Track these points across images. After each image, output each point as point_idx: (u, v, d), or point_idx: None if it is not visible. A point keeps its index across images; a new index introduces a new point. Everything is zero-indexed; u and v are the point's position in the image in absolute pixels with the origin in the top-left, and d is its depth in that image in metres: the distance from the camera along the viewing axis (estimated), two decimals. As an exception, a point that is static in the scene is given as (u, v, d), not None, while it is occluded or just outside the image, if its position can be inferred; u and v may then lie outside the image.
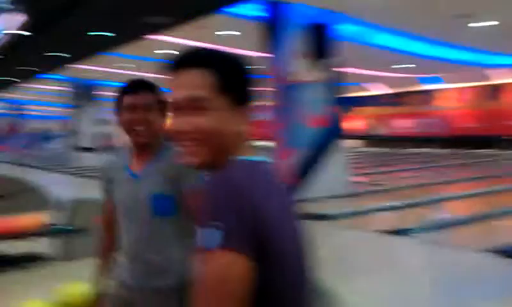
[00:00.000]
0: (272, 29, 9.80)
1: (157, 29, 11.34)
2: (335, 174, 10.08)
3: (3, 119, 39.59)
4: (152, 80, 2.14)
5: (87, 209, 5.75)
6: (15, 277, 5.19)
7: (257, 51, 10.50)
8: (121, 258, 2.20)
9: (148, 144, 2.14)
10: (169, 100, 1.17)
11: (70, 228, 5.64)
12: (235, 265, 1.00)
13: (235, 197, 1.03)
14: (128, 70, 21.12)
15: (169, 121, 1.24)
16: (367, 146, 29.57)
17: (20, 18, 7.50)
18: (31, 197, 8.84)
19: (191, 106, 1.13)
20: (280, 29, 9.78)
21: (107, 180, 2.23)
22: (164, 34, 12.58)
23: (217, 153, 1.15)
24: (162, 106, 2.14)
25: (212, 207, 1.03)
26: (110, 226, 2.28)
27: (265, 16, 9.90)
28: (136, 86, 2.13)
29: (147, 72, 22.52)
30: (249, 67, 1.20)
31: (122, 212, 2.17)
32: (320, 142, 10.08)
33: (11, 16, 7.80)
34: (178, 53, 1.19)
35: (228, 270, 1.00)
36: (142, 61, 18.06)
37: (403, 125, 28.39)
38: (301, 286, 1.15)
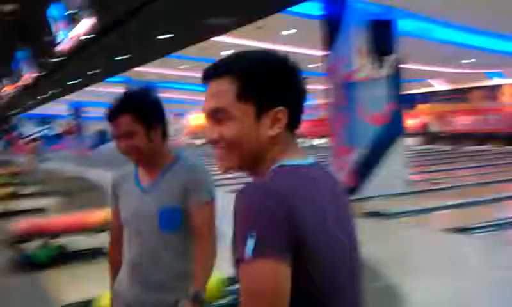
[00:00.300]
0: (332, 26, 9.77)
1: (218, 30, 11.48)
2: (395, 172, 9.93)
3: (65, 120, 41.08)
4: (144, 92, 2.07)
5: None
6: (80, 270, 5.41)
7: (318, 49, 10.49)
8: (122, 272, 2.15)
9: (150, 162, 2.09)
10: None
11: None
12: (268, 273, 1.00)
13: (267, 205, 1.02)
14: (185, 72, 21.53)
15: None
16: (426, 143, 28.92)
17: (88, 22, 7.77)
18: (93, 195, 9.18)
19: (215, 117, 1.15)
20: (341, 26, 9.73)
21: (116, 191, 2.17)
22: (225, 36, 12.73)
23: (247, 158, 1.16)
24: (151, 121, 2.03)
25: (245, 216, 1.03)
26: (119, 235, 2.20)
27: (326, 14, 9.88)
28: (114, 113, 2.01)
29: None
30: (285, 67, 1.17)
31: (128, 224, 2.12)
32: (381, 140, 9.95)
33: (80, 22, 8.10)
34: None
35: (262, 279, 1.00)
36: (202, 63, 18.34)
37: (464, 121, 27.57)
38: (343, 294, 1.14)
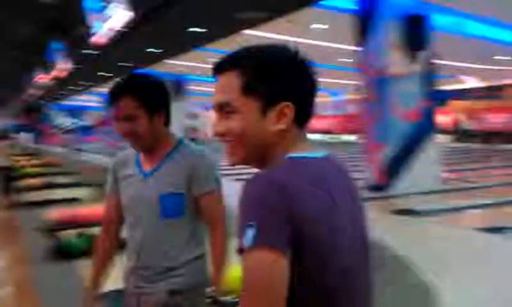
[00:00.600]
0: (364, 20, 9.67)
1: (249, 24, 11.49)
2: (426, 169, 9.82)
3: (96, 112, 41.65)
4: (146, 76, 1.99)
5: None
6: (121, 258, 5.47)
7: (349, 44, 10.41)
8: (126, 261, 2.11)
9: (151, 147, 2.04)
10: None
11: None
12: (265, 263, 1.00)
13: (268, 195, 1.02)
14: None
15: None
16: (457, 141, 28.49)
17: (122, 14, 7.85)
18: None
19: (223, 111, 1.17)
20: (373, 20, 9.63)
21: (116, 176, 2.12)
22: (256, 29, 12.74)
23: (254, 152, 1.17)
24: (154, 105, 1.98)
25: (247, 206, 1.04)
26: (111, 225, 2.17)
27: (358, 8, 9.79)
28: (116, 94, 1.96)
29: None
30: (294, 61, 1.18)
31: (129, 211, 2.08)
32: (412, 137, 9.84)
33: (115, 14, 8.19)
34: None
35: (259, 269, 1.00)
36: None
37: (497, 119, 27.07)
38: (348, 284, 1.13)
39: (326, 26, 13.39)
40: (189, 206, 2.02)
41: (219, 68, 1.18)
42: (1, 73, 19.84)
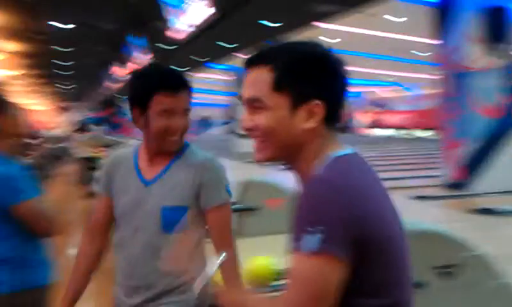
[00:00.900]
0: (443, 13, 9.37)
1: (324, 17, 11.42)
2: (507, 167, 9.40)
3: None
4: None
5: (257, 190, 6.01)
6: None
7: (427, 37, 10.11)
8: (118, 277, 1.87)
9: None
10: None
11: (242, 206, 5.93)
12: (329, 270, 1.01)
13: (331, 200, 1.02)
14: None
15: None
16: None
17: (199, 10, 8.00)
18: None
19: (252, 106, 1.15)
20: (452, 12, 9.31)
21: (111, 177, 1.85)
22: (330, 23, 12.64)
23: (282, 150, 1.15)
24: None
25: (310, 211, 1.03)
26: (100, 229, 1.93)
27: (438, 1, 9.50)
28: (177, 85, 1.75)
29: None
30: (326, 60, 1.14)
31: (124, 220, 1.82)
32: (493, 134, 9.45)
33: (195, 10, 8.36)
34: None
35: (321, 274, 1.01)
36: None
37: None
38: (405, 279, 1.13)
39: (402, 19, 13.07)
40: (194, 220, 1.78)
41: (252, 62, 1.17)
42: (82, 67, 20.72)
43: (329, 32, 14.47)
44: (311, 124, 1.12)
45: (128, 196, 1.79)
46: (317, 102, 1.11)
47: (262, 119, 1.14)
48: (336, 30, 14.03)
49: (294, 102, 1.12)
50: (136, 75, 1.83)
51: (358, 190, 1.05)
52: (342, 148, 1.16)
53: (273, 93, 1.13)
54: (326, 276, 1.02)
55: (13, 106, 2.51)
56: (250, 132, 1.19)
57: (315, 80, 1.13)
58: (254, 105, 1.16)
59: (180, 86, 1.75)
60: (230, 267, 1.76)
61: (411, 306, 1.17)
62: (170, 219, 1.76)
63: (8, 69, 11.93)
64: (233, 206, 6.06)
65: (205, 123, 50.03)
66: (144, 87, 1.74)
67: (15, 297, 2.34)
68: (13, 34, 11.89)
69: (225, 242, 1.82)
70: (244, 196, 6.07)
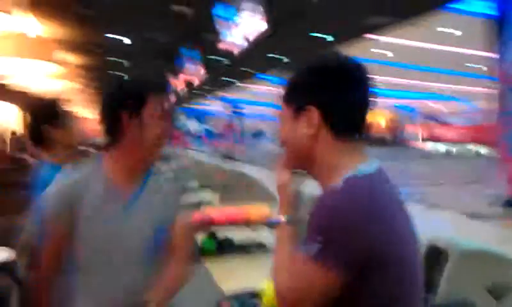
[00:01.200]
0: (501, 25, 9.12)
1: (377, 29, 11.33)
2: None
3: (222, 117, 43.14)
4: None
5: (304, 203, 6.03)
6: (241, 262, 5.64)
7: (483, 50, 9.87)
8: None
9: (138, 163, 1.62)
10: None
11: (278, 221, 5.94)
12: (318, 276, 1.11)
13: (330, 226, 1.09)
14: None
15: None
16: None
17: (252, 23, 8.10)
18: (251, 191, 9.52)
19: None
20: (510, 25, 9.06)
21: (70, 204, 1.54)
22: (383, 35, 12.54)
23: (296, 158, 1.25)
24: None
25: (317, 222, 1.12)
26: (52, 266, 1.60)
27: (496, 13, 9.26)
28: (165, 86, 1.69)
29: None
30: (330, 68, 1.20)
31: (95, 253, 1.55)
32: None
33: (247, 22, 8.47)
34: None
35: (314, 279, 1.11)
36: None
37: None
38: (414, 298, 1.18)
39: (457, 31, 12.80)
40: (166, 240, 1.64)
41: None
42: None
43: (382, 45, 14.34)
44: (310, 130, 1.19)
45: (100, 222, 1.55)
46: (311, 107, 1.18)
47: (281, 132, 1.27)
48: (390, 42, 13.89)
49: (295, 110, 1.21)
50: (122, 80, 1.71)
51: (365, 218, 1.10)
52: (365, 162, 1.20)
53: (284, 106, 1.24)
54: (313, 281, 1.12)
55: (70, 117, 2.65)
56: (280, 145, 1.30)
57: (310, 88, 1.19)
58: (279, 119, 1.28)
59: (166, 86, 1.70)
60: (172, 275, 1.65)
61: None
62: (152, 246, 1.61)
63: (68, 80, 12.37)
64: (275, 221, 6.03)
65: (257, 135, 50.30)
66: (138, 88, 1.60)
67: None
68: (73, 47, 12.34)
69: (180, 256, 1.70)
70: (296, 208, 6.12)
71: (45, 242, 1.60)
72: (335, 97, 1.19)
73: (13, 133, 25.52)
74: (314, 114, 1.18)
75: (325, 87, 1.19)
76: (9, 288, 3.02)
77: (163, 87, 1.66)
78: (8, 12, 4.85)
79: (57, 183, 1.60)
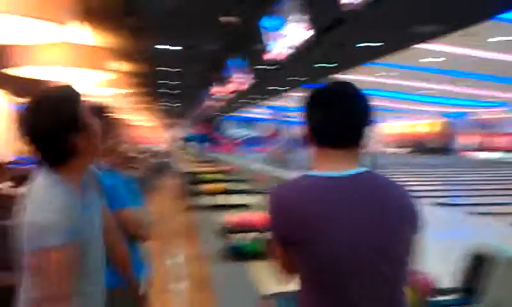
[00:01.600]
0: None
1: (425, 37, 11.17)
2: None
3: (267, 123, 43.31)
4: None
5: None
6: (261, 267, 5.66)
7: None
8: None
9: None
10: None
11: None
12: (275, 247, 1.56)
13: (272, 205, 1.53)
14: (382, 78, 21.21)
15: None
16: None
17: (297, 32, 8.14)
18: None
19: None
20: None
21: (73, 219, 1.72)
22: (431, 43, 12.35)
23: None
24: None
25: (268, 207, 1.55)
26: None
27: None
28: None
29: (409, 80, 22.27)
30: (317, 94, 1.67)
31: (88, 253, 1.82)
32: None
33: (293, 32, 8.52)
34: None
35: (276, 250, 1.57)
36: (404, 70, 17.92)
37: None
38: (344, 291, 1.41)
39: (509, 38, 12.47)
40: None
41: None
42: (185, 86, 21.60)
43: (432, 53, 14.11)
44: (308, 141, 1.61)
45: (87, 225, 1.81)
46: (306, 126, 1.61)
47: None
48: (440, 51, 13.65)
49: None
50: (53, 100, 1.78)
51: (291, 204, 1.47)
52: (338, 167, 1.50)
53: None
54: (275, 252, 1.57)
55: (118, 125, 2.75)
56: None
57: (305, 111, 1.63)
58: None
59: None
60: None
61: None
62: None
63: (117, 88, 12.73)
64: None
65: (299, 141, 50.26)
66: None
67: (112, 293, 2.56)
68: (123, 55, 12.69)
69: (118, 240, 2.24)
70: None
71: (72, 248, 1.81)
72: (315, 118, 1.58)
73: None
74: (305, 131, 1.62)
75: (311, 110, 1.61)
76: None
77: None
78: (61, 23, 5.05)
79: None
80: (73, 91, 1.82)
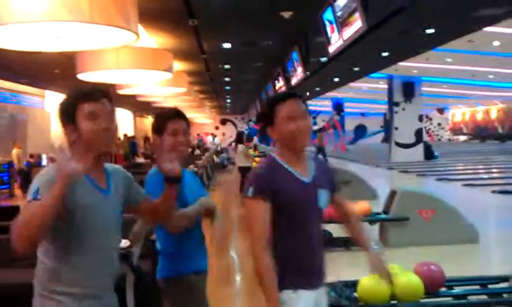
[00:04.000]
0: None
1: (486, 22, 10.82)
2: None
3: (327, 115, 43.09)
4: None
5: (409, 200, 5.97)
6: (340, 254, 5.73)
7: None
8: (68, 286, 1.93)
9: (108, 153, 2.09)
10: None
11: (392, 216, 5.92)
12: (259, 205, 2.24)
13: (258, 173, 2.36)
14: (448, 65, 20.64)
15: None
16: None
17: (357, 23, 8.11)
18: (354, 187, 9.54)
19: (306, 114, 2.43)
20: None
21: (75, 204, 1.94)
22: (495, 26, 11.95)
23: None
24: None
25: (251, 177, 2.36)
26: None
27: None
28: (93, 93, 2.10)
29: (481, 67, 21.55)
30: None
31: (90, 236, 1.97)
32: None
33: (349, 22, 8.50)
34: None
35: (256, 210, 2.25)
36: (469, 55, 17.39)
37: None
38: (300, 219, 2.31)
39: None
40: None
41: (296, 95, 2.43)
42: (242, 82, 21.82)
43: (491, 36, 13.67)
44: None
45: (93, 210, 1.97)
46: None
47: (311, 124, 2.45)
48: (499, 33, 13.24)
49: None
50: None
51: (266, 173, 2.33)
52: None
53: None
54: (256, 212, 2.24)
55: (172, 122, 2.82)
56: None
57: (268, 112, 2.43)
58: (305, 114, 2.40)
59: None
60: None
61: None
62: (121, 220, 2.15)
63: (174, 86, 13.08)
64: (383, 216, 6.21)
65: (360, 132, 49.59)
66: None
67: (169, 282, 2.72)
68: (179, 54, 13.01)
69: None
70: (396, 206, 6.05)
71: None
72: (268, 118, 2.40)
73: (129, 137, 27.19)
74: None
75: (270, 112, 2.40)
76: (124, 274, 3.33)
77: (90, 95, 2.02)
78: (120, 26, 5.32)
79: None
80: (77, 95, 2.04)
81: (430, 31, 11.08)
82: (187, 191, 2.73)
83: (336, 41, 9.43)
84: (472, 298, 2.82)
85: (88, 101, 1.99)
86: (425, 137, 25.20)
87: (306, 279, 2.31)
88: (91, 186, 1.98)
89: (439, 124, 52.51)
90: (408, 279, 2.71)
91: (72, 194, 1.84)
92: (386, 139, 28.98)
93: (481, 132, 45.75)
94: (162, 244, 2.78)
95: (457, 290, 2.90)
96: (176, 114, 2.67)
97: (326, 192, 2.48)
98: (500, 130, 43.66)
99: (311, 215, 2.38)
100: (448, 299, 2.81)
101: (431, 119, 50.98)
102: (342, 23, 8.74)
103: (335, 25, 9.15)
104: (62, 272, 1.91)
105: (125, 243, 3.08)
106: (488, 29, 12.11)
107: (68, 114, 2.00)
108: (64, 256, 1.91)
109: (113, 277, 2.09)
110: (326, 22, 9.56)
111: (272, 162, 2.36)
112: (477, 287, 2.95)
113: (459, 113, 51.00)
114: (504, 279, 2.96)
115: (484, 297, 2.87)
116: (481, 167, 19.88)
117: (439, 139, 50.58)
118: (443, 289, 2.83)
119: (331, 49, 9.94)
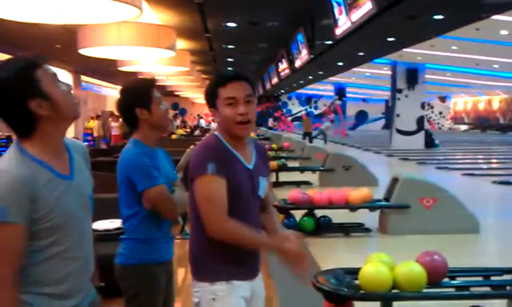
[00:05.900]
0: None
1: (495, 10, 10.68)
2: None
3: (326, 100, 42.95)
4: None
5: (410, 187, 5.91)
6: (338, 241, 5.71)
7: None
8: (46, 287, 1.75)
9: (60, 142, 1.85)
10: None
11: (388, 204, 5.88)
12: (220, 183, 2.21)
13: (210, 152, 2.26)
14: (453, 53, 20.50)
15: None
16: None
17: (365, 6, 7.98)
18: (352, 173, 9.49)
19: (248, 100, 2.32)
20: None
21: (35, 194, 1.66)
22: (503, 15, 11.81)
23: None
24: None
25: (201, 155, 2.29)
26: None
27: None
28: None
29: (486, 55, 21.40)
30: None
31: (67, 225, 1.76)
32: None
33: (355, 6, 8.37)
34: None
35: (217, 185, 2.21)
36: (474, 43, 17.24)
37: None
38: (242, 206, 2.29)
39: None
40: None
41: (242, 77, 2.34)
42: (246, 63, 21.68)
43: (498, 25, 13.52)
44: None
45: (63, 197, 1.74)
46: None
47: (254, 111, 2.33)
48: (507, 21, 13.08)
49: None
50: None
51: (223, 154, 2.29)
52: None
53: (254, 99, 2.33)
54: (221, 187, 2.23)
55: (159, 101, 2.72)
56: (248, 121, 2.28)
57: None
58: (249, 99, 2.31)
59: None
60: None
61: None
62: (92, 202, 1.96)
63: (177, 65, 12.97)
64: (384, 203, 6.12)
65: (361, 118, 49.50)
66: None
67: (129, 269, 2.67)
68: (183, 32, 12.87)
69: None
70: (397, 193, 5.99)
71: (20, 233, 1.71)
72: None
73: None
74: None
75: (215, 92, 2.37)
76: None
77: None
78: (123, 1, 5.22)
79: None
80: (32, 59, 1.75)
81: (438, 16, 10.91)
82: (162, 170, 2.73)
83: (344, 23, 9.29)
84: (474, 290, 2.77)
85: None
86: (426, 125, 25.07)
87: (242, 269, 2.28)
88: (51, 173, 1.74)
89: (440, 112, 52.34)
90: (410, 268, 2.65)
91: (40, 188, 1.68)
92: (387, 126, 28.90)
93: (482, 122, 45.64)
94: (132, 231, 2.71)
95: (459, 280, 2.85)
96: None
97: (265, 180, 2.38)
98: (502, 121, 43.54)
99: (252, 204, 2.32)
100: (451, 290, 2.76)
101: (432, 107, 50.83)
102: (350, 4, 8.59)
103: (343, 7, 9.01)
104: (35, 273, 1.73)
105: (118, 224, 3.00)
106: (495, 17, 11.96)
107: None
108: (36, 256, 1.73)
109: (89, 274, 1.92)
110: (334, 4, 9.42)
111: (220, 143, 2.28)
112: (480, 278, 2.90)
113: (461, 102, 50.78)
114: (508, 271, 2.92)
115: (487, 289, 2.82)
116: (481, 157, 19.83)
117: (440, 128, 50.48)
118: (446, 279, 2.77)
119: (338, 31, 9.80)
